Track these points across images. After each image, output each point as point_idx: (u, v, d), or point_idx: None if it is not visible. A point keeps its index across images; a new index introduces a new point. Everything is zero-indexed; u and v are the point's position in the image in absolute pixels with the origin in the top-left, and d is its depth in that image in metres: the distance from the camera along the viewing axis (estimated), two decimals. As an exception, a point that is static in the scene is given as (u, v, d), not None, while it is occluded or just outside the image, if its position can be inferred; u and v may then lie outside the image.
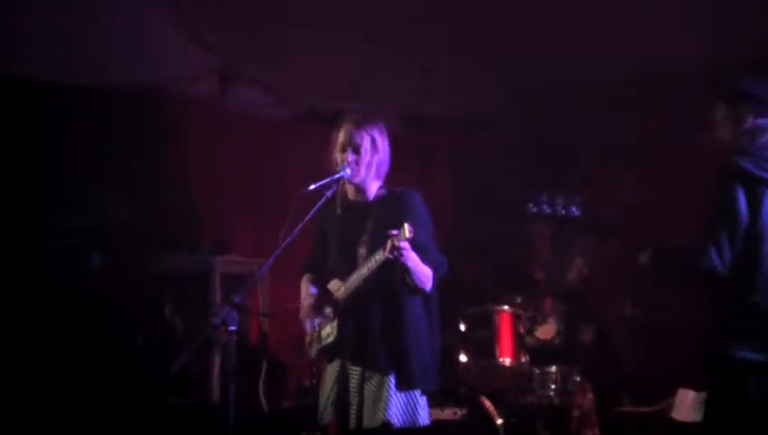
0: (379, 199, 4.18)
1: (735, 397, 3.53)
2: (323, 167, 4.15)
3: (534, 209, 3.85)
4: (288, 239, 3.88)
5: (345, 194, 4.23)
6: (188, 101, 6.85)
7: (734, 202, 3.52)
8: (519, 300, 6.15)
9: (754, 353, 3.50)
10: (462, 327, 5.90)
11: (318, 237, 4.34)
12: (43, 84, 6.23)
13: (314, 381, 5.76)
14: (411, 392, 4.03)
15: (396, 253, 3.79)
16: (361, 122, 4.14)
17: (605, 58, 6.06)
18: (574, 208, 3.85)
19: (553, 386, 5.83)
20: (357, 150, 4.10)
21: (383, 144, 4.17)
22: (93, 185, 6.47)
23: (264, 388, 5.64)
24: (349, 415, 4.05)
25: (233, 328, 3.78)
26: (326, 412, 4.13)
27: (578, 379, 5.81)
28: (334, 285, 4.17)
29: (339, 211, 4.22)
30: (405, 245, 3.78)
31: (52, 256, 6.11)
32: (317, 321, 4.25)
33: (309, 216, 3.99)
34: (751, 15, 5.47)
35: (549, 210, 3.85)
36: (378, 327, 4.03)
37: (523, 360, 5.87)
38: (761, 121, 3.68)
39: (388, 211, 4.05)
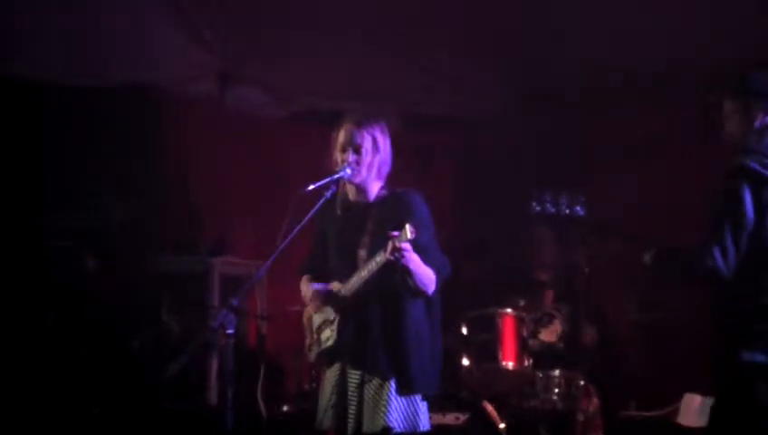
0: (380, 200, 4.14)
1: (744, 401, 3.50)
2: (324, 167, 4.12)
3: (538, 209, 3.83)
4: (287, 241, 3.83)
5: (345, 194, 4.19)
6: (188, 101, 6.86)
7: (739, 202, 3.49)
8: (522, 302, 6.11)
9: (764, 356, 3.47)
10: (464, 330, 5.87)
11: (317, 238, 4.30)
12: (41, 84, 6.25)
13: (314, 384, 5.73)
14: (412, 397, 3.98)
15: (397, 254, 3.74)
16: (362, 122, 4.10)
17: (605, 58, 6.04)
18: (578, 208, 3.84)
19: (557, 390, 5.79)
20: (358, 150, 4.06)
21: (384, 144, 4.13)
22: (92, 185, 6.50)
23: (262, 392, 5.62)
24: (348, 420, 4.00)
25: (231, 331, 3.76)
26: (325, 417, 4.08)
27: (582, 383, 5.77)
28: (334, 286, 4.12)
29: (339, 212, 4.18)
30: (406, 246, 3.73)
31: (49, 256, 6.11)
32: (316, 323, 4.18)
33: (308, 216, 3.95)
34: (751, 15, 5.45)
35: (553, 210, 3.83)
36: (378, 330, 3.98)
37: (526, 363, 5.83)
38: None
39: (389, 212, 4.01)
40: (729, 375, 3.58)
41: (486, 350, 5.81)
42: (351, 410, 3.99)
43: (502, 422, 5.44)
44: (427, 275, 3.92)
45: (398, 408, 3.93)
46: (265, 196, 6.68)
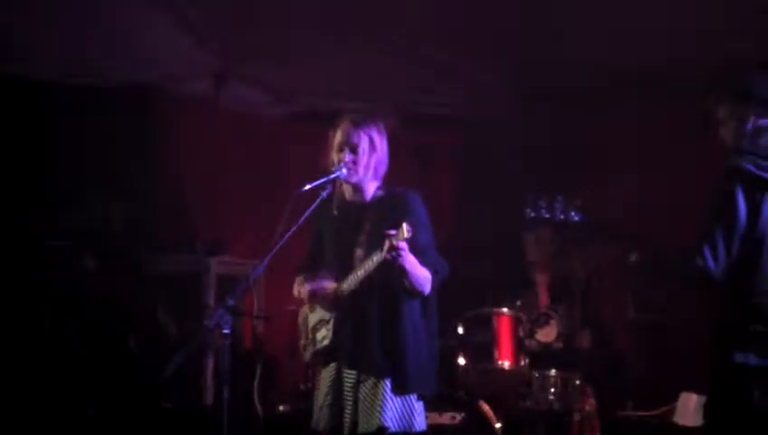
0: (377, 200, 4.13)
1: (739, 403, 3.48)
2: (322, 167, 4.11)
3: (533, 214, 3.80)
4: (283, 240, 3.83)
5: (342, 194, 4.18)
6: (187, 100, 6.88)
7: (732, 203, 3.47)
8: (519, 303, 6.10)
9: (758, 358, 3.45)
10: (460, 330, 5.86)
11: (314, 239, 4.29)
12: (40, 84, 6.27)
13: (310, 384, 5.72)
14: (407, 397, 3.97)
15: (394, 253, 3.73)
16: (359, 122, 4.10)
17: (605, 58, 6.05)
18: (573, 213, 3.80)
19: (553, 390, 5.78)
20: (354, 150, 4.06)
21: (381, 144, 4.12)
22: (89, 185, 6.48)
23: (258, 392, 5.62)
24: (344, 420, 3.99)
25: (227, 331, 3.75)
26: (321, 417, 4.08)
27: (578, 383, 5.77)
28: (330, 287, 4.10)
29: (336, 212, 4.16)
30: (403, 245, 3.72)
31: (47, 256, 6.09)
32: (311, 323, 4.18)
33: (304, 217, 3.95)
34: (751, 15, 5.45)
35: (547, 215, 3.80)
36: (374, 330, 3.97)
37: (523, 363, 5.83)
38: (762, 122, 3.64)
39: (386, 212, 4.00)
40: (723, 377, 3.56)
41: (483, 350, 5.81)
42: (347, 409, 3.98)
43: (498, 422, 5.43)
44: (423, 275, 3.91)
45: (393, 408, 3.92)
46: (263, 196, 6.67)
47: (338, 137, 4.11)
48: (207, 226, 6.84)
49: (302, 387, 5.90)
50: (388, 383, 3.92)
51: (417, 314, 4.04)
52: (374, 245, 3.86)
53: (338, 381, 4.04)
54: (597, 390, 5.85)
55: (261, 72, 6.73)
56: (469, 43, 6.19)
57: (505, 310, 5.90)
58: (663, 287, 5.64)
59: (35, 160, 6.30)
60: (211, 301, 6.24)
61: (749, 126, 3.64)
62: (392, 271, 3.85)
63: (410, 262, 3.82)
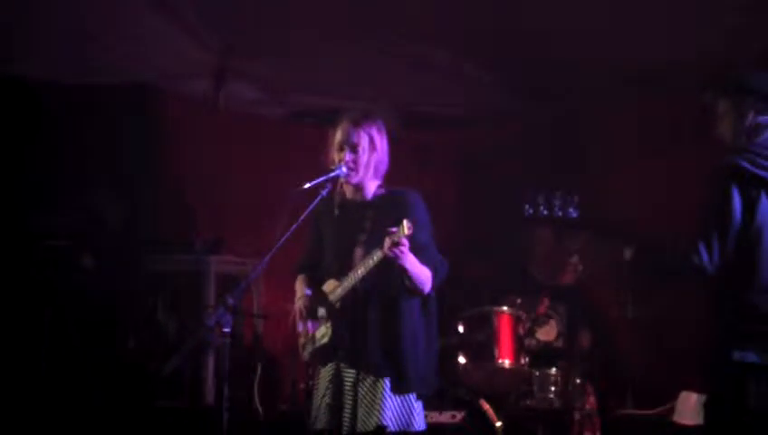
0: (378, 199, 4.12)
1: (736, 401, 3.47)
2: (321, 166, 4.10)
3: (531, 211, 3.81)
4: (283, 239, 3.83)
5: (343, 194, 4.17)
6: (185, 99, 6.87)
7: (727, 200, 3.46)
8: (519, 301, 6.10)
9: (756, 356, 3.44)
10: (461, 329, 5.87)
11: (313, 237, 4.27)
12: (38, 83, 6.25)
13: (311, 383, 5.71)
14: (406, 396, 3.96)
15: (395, 250, 3.72)
16: (359, 121, 4.08)
17: (605, 58, 6.06)
18: (571, 210, 3.81)
19: (554, 388, 5.79)
20: (354, 149, 4.04)
21: (381, 143, 4.10)
22: (88, 185, 6.47)
23: (258, 391, 5.61)
24: (343, 419, 3.97)
25: (227, 330, 3.75)
26: (320, 416, 4.06)
27: (579, 381, 5.77)
28: (330, 285, 4.09)
29: (336, 211, 4.15)
30: (404, 242, 3.71)
31: (45, 256, 6.08)
32: (310, 323, 4.17)
33: (304, 215, 3.94)
34: (751, 14, 5.44)
35: (546, 212, 3.80)
36: (374, 328, 3.95)
37: (523, 362, 5.84)
38: (762, 119, 3.63)
39: (386, 211, 3.98)
40: (721, 375, 3.54)
41: (483, 348, 5.83)
42: (346, 408, 3.96)
43: (498, 421, 5.42)
44: (423, 274, 3.91)
45: (392, 407, 3.91)
46: (262, 195, 6.62)
47: (338, 136, 4.09)
48: (207, 225, 6.82)
49: (302, 386, 5.90)
50: (387, 382, 3.91)
51: (417, 313, 4.02)
52: (374, 244, 3.85)
53: (337, 380, 4.02)
54: (597, 388, 5.87)
55: (261, 72, 6.72)
56: (469, 43, 6.18)
57: (506, 308, 5.91)
58: (659, 284, 5.64)
59: (35, 160, 6.28)
60: (211, 300, 6.22)
61: (748, 122, 3.63)
62: (392, 269, 3.84)
63: (410, 260, 3.81)
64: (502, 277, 6.59)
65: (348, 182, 4.09)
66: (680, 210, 3.61)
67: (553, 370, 5.82)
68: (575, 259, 5.88)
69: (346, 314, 4.01)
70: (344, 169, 4.02)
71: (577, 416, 5.70)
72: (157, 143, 6.80)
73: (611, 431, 5.86)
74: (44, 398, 5.77)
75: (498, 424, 5.41)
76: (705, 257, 3.43)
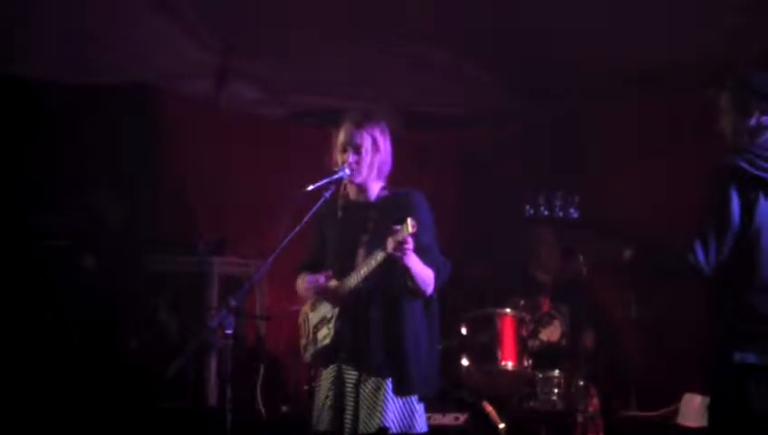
0: (381, 200, 4.11)
1: (737, 402, 3.47)
2: (323, 167, 4.10)
3: (531, 211, 3.81)
4: (286, 241, 3.82)
5: (346, 195, 4.17)
6: (186, 99, 6.86)
7: (726, 201, 3.46)
8: (522, 302, 6.09)
9: (756, 357, 3.44)
10: (463, 331, 5.86)
11: (316, 239, 4.26)
12: (38, 83, 6.23)
13: (313, 384, 5.70)
14: (408, 398, 3.94)
15: (398, 249, 3.71)
16: (362, 122, 4.08)
17: (605, 58, 6.06)
18: (572, 210, 3.81)
19: (557, 390, 5.77)
20: (357, 151, 4.04)
21: (384, 144, 4.10)
22: (89, 185, 6.45)
23: (261, 392, 5.60)
24: (345, 420, 3.97)
25: (230, 331, 3.75)
26: (321, 418, 4.05)
27: (582, 383, 5.76)
28: (332, 284, 4.06)
29: (339, 212, 4.15)
30: (407, 240, 3.70)
31: (46, 256, 6.07)
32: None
33: (307, 217, 3.93)
34: (751, 14, 5.45)
35: (546, 212, 3.80)
36: (376, 330, 3.95)
37: (526, 364, 5.83)
38: (765, 119, 3.62)
39: (389, 212, 3.96)
40: (721, 376, 3.55)
41: (486, 350, 5.80)
42: (348, 409, 3.96)
43: (501, 423, 5.41)
44: (426, 275, 3.90)
45: (394, 409, 3.90)
46: (264, 196, 6.63)
47: (341, 137, 4.09)
48: (209, 225, 6.80)
49: (304, 387, 5.87)
50: (389, 384, 3.90)
51: (420, 313, 4.01)
52: (377, 244, 3.84)
53: (339, 381, 4.01)
54: (600, 390, 5.86)
55: (261, 72, 6.71)
56: (469, 43, 6.18)
57: (508, 310, 5.90)
58: (659, 284, 5.64)
59: (35, 160, 6.27)
60: (213, 301, 6.21)
61: (752, 122, 3.62)
62: (395, 270, 3.84)
63: (413, 259, 3.80)
64: (503, 278, 6.57)
65: (351, 183, 4.09)
66: (680, 210, 3.62)
67: (556, 372, 5.80)
68: (578, 261, 5.88)
69: (349, 314, 4.00)
70: (347, 171, 4.02)
71: (580, 418, 5.68)
72: (157, 143, 6.78)
73: (615, 433, 5.85)
74: (46, 399, 5.76)
75: (501, 426, 5.39)
76: (702, 257, 3.43)
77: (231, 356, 3.81)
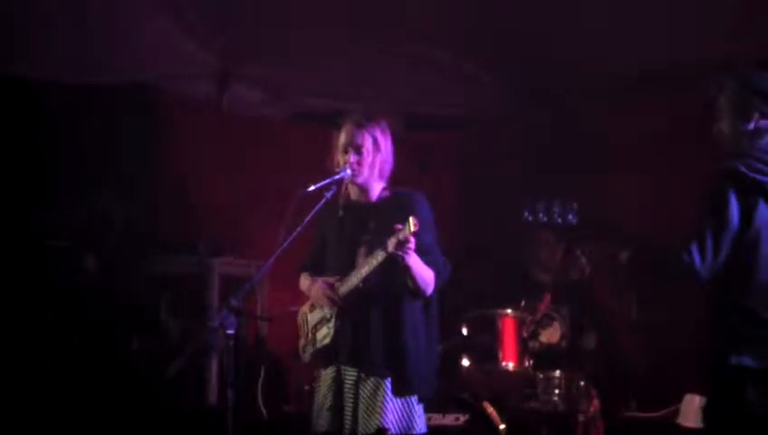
0: (383, 200, 4.13)
1: (734, 405, 3.46)
2: (324, 167, 4.11)
3: (530, 218, 3.79)
4: (287, 241, 3.82)
5: (348, 195, 4.18)
6: (187, 100, 6.85)
7: (724, 204, 3.43)
8: (522, 303, 6.08)
9: (753, 361, 3.42)
10: (464, 331, 5.87)
11: (317, 240, 4.28)
12: (39, 83, 6.22)
13: (314, 385, 5.71)
14: (408, 398, 3.96)
15: (401, 248, 3.71)
16: (363, 122, 4.10)
17: (605, 58, 6.05)
18: (571, 216, 3.79)
19: (557, 391, 5.77)
20: (359, 151, 4.06)
21: (385, 144, 4.12)
22: (90, 185, 6.44)
23: (262, 393, 5.59)
24: (344, 421, 3.98)
25: (231, 331, 3.76)
26: (320, 419, 4.06)
27: (583, 384, 5.76)
28: (334, 284, 4.08)
29: (340, 212, 4.16)
30: (410, 239, 3.71)
31: (47, 256, 6.07)
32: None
33: (308, 217, 3.93)
34: (752, 15, 5.45)
35: (545, 218, 3.78)
36: (376, 329, 3.96)
37: (527, 364, 5.84)
38: (764, 122, 3.58)
39: (391, 212, 3.96)
40: (719, 379, 3.54)
41: (487, 351, 5.83)
42: (347, 410, 3.97)
43: (502, 423, 5.41)
44: (427, 275, 3.92)
45: (393, 409, 3.91)
46: (265, 196, 6.62)
47: (342, 138, 4.11)
48: (209, 226, 6.79)
49: (306, 387, 5.86)
50: (388, 384, 3.91)
51: (419, 314, 4.03)
52: (378, 245, 3.85)
53: (338, 381, 4.03)
54: (601, 390, 5.84)
55: (261, 72, 6.71)
56: (469, 43, 6.18)
57: (509, 311, 5.91)
58: (657, 286, 5.63)
59: (36, 160, 6.27)
60: (214, 302, 6.21)
61: (751, 124, 3.59)
62: (396, 269, 3.85)
63: (414, 259, 3.81)
64: (503, 279, 6.57)
65: (353, 184, 4.10)
66: (679, 211, 3.61)
67: (557, 372, 5.80)
68: (581, 263, 5.87)
69: (348, 314, 4.01)
70: (349, 172, 4.04)
71: (581, 419, 5.68)
72: (159, 144, 6.79)
73: (615, 434, 5.84)
74: (48, 399, 5.76)
75: (502, 427, 5.39)
76: (698, 260, 3.41)
77: (233, 356, 3.79)
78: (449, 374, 5.58)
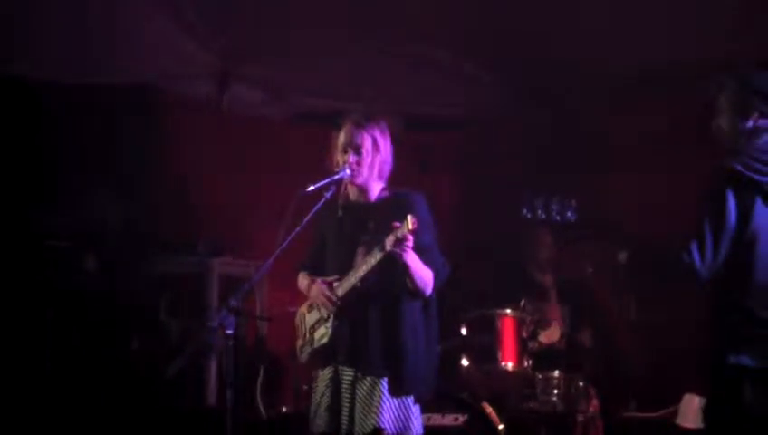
0: (382, 201, 4.12)
1: (733, 405, 3.46)
2: (324, 167, 4.10)
3: (529, 215, 3.79)
4: (286, 242, 3.82)
5: (347, 195, 4.17)
6: (187, 100, 6.84)
7: (722, 204, 3.44)
8: (522, 303, 6.07)
9: (751, 360, 3.43)
10: (463, 331, 5.85)
11: (316, 240, 4.27)
12: (39, 83, 6.21)
13: (312, 385, 5.71)
14: (404, 399, 3.95)
15: (399, 246, 3.71)
16: (362, 122, 4.09)
17: (605, 58, 6.05)
18: (569, 213, 3.79)
19: (556, 391, 5.76)
20: (358, 151, 4.06)
21: (385, 144, 4.12)
22: (90, 185, 6.41)
23: (261, 393, 5.58)
24: (341, 421, 3.97)
25: (230, 332, 3.75)
26: (318, 419, 4.06)
27: (582, 384, 5.76)
28: (332, 283, 4.08)
29: (339, 213, 4.16)
30: (408, 237, 3.71)
31: (46, 257, 6.06)
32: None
33: (308, 218, 3.93)
34: (752, 15, 5.46)
35: (544, 216, 3.79)
36: (374, 329, 3.95)
37: (526, 364, 5.82)
38: (763, 122, 3.59)
39: (390, 212, 3.95)
40: (718, 378, 3.54)
41: (486, 351, 5.80)
42: (344, 410, 3.96)
43: (501, 423, 5.40)
44: (426, 275, 3.91)
45: (390, 409, 3.90)
46: (265, 196, 6.62)
47: (341, 138, 4.10)
48: (210, 226, 6.79)
49: (305, 388, 5.86)
50: (385, 384, 3.91)
51: (418, 314, 4.02)
52: (377, 245, 3.85)
53: (335, 382, 4.02)
54: (600, 391, 5.84)
55: (261, 72, 6.71)
56: (469, 43, 6.18)
57: (509, 311, 5.89)
58: (657, 286, 5.63)
59: (36, 160, 6.26)
60: (213, 302, 6.21)
61: (749, 124, 3.59)
62: (394, 269, 3.85)
63: (413, 257, 3.81)
64: (503, 279, 6.56)
65: (352, 184, 4.10)
66: (679, 211, 3.61)
67: (556, 372, 5.79)
68: (579, 262, 5.87)
69: (346, 314, 4.01)
70: (348, 172, 4.03)
71: (580, 419, 5.67)
72: (159, 144, 6.78)
73: (615, 434, 5.84)
74: (47, 399, 5.76)
75: (501, 427, 5.38)
76: (697, 259, 3.41)
77: (232, 357, 3.79)
78: (448, 374, 5.56)
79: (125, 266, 6.28)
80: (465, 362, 5.82)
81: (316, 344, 4.11)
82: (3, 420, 5.59)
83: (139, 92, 6.59)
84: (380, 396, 3.89)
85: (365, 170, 4.06)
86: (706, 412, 3.64)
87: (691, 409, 5.55)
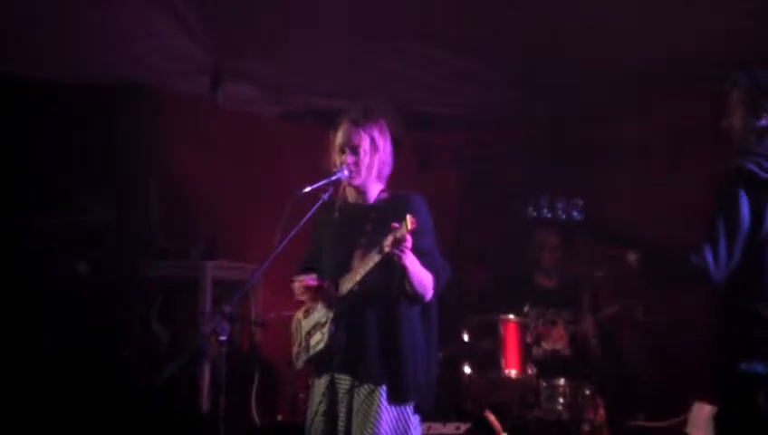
0: (380, 202, 4.04)
1: (745, 413, 3.45)
2: (321, 168, 4.02)
3: (534, 214, 3.76)
4: (282, 244, 3.74)
5: (345, 197, 4.09)
6: (181, 99, 6.81)
7: (735, 205, 3.45)
8: (525, 308, 6.02)
9: (764, 365, 3.42)
10: (466, 337, 5.84)
11: (313, 242, 4.18)
12: (32, 82, 6.22)
13: (308, 393, 5.67)
14: (403, 408, 3.85)
15: (397, 247, 3.61)
16: (360, 121, 4.01)
17: (607, 58, 6.03)
18: (576, 213, 3.76)
19: (562, 399, 5.76)
20: (355, 151, 3.98)
21: (384, 144, 4.04)
22: (82, 187, 6.40)
23: (256, 400, 5.52)
24: (337, 430, 3.88)
25: (224, 338, 3.68)
26: (314, 428, 3.96)
27: (588, 392, 5.72)
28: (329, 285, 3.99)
29: (337, 214, 4.06)
30: (407, 238, 3.61)
31: (36, 260, 6.04)
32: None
33: (304, 220, 3.85)
34: (752, 15, 5.43)
35: (549, 215, 3.75)
36: (372, 335, 3.86)
37: (530, 372, 5.82)
38: None
39: (388, 214, 3.84)
40: (729, 386, 3.53)
41: (489, 357, 5.79)
42: (341, 419, 3.87)
43: (504, 432, 5.41)
44: (425, 278, 3.82)
45: (388, 419, 3.80)
46: (260, 197, 6.59)
47: (338, 138, 4.03)
48: (204, 226, 6.75)
49: (300, 395, 5.85)
50: (383, 393, 3.81)
51: (417, 319, 3.93)
52: (374, 247, 3.75)
53: (331, 390, 3.93)
54: (607, 399, 5.83)
55: (259, 71, 6.67)
56: (470, 43, 6.14)
57: (512, 316, 5.88)
58: (667, 289, 5.59)
59: (27, 161, 6.23)
60: (207, 306, 6.17)
61: (762, 122, 3.60)
62: (392, 272, 3.76)
63: (412, 260, 3.71)
64: (506, 283, 6.56)
65: (350, 185, 4.02)
66: (685, 211, 3.60)
67: (562, 380, 5.79)
68: (584, 265, 5.84)
69: (343, 318, 3.90)
70: (346, 173, 3.95)
71: (586, 428, 5.69)
72: (152, 143, 6.73)
73: (622, 444, 5.85)
74: (38, 405, 5.74)
75: (504, 436, 5.37)
76: (711, 261, 3.41)
77: (225, 363, 3.71)
78: (450, 382, 5.54)
79: (116, 270, 6.26)
80: (466, 370, 5.81)
81: (312, 351, 4.02)
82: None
83: (131, 89, 6.56)
84: (378, 405, 3.80)
85: (363, 171, 3.98)
86: (718, 422, 3.62)
87: (701, 418, 5.53)
